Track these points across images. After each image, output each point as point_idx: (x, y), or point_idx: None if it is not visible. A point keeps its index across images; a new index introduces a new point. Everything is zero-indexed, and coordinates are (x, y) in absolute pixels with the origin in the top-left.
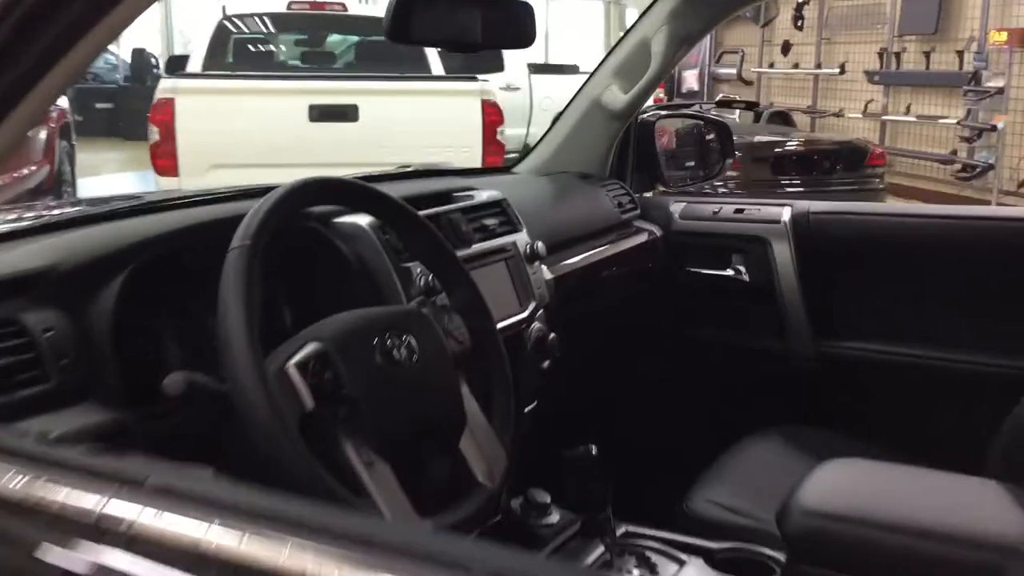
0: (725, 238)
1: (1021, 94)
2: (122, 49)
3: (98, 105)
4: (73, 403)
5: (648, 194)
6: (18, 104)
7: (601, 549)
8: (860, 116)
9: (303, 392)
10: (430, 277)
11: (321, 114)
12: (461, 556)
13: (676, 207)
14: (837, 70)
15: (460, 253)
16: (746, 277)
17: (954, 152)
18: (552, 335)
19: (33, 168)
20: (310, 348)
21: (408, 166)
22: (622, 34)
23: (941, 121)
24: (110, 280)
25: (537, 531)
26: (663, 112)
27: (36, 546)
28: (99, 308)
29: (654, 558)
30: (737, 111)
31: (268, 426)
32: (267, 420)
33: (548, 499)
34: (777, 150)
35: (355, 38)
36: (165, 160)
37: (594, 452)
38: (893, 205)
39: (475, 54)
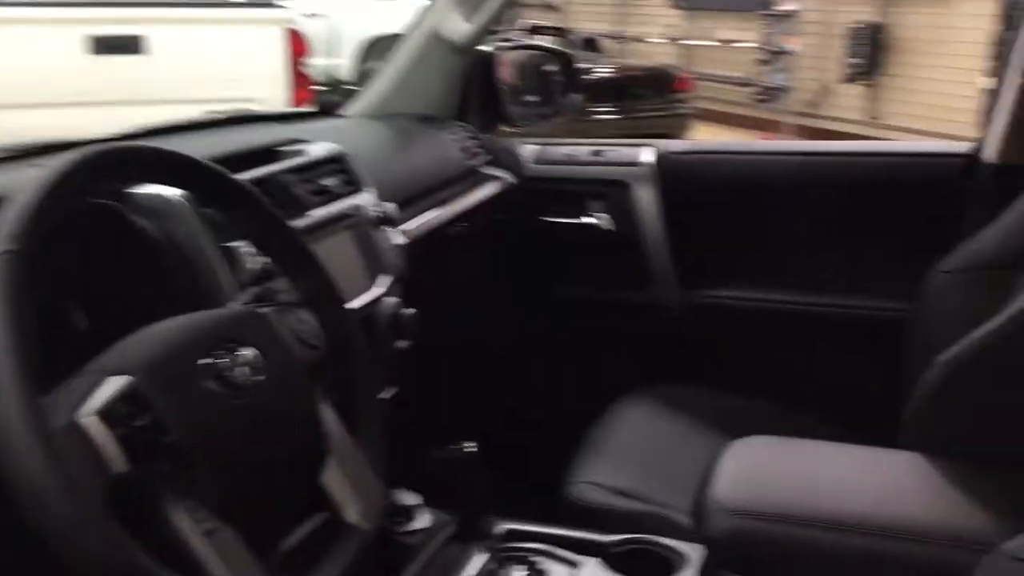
0: (582, 183)
1: (814, 17)
2: None
3: None
4: None
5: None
6: None
7: (484, 556)
8: (663, 41)
9: (109, 450)
10: (265, 260)
11: (101, 46)
12: None
13: (528, 151)
14: None
15: (297, 224)
16: (607, 225)
17: (752, 75)
18: (410, 310)
19: None
20: (114, 385)
21: (215, 112)
22: None
23: (739, 45)
24: None
25: (405, 539)
26: (504, 43)
27: None
28: None
29: (541, 563)
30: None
31: (56, 509)
32: (54, 501)
33: (416, 501)
34: (589, 77)
35: None
36: None
37: (467, 449)
38: (760, 142)
39: None
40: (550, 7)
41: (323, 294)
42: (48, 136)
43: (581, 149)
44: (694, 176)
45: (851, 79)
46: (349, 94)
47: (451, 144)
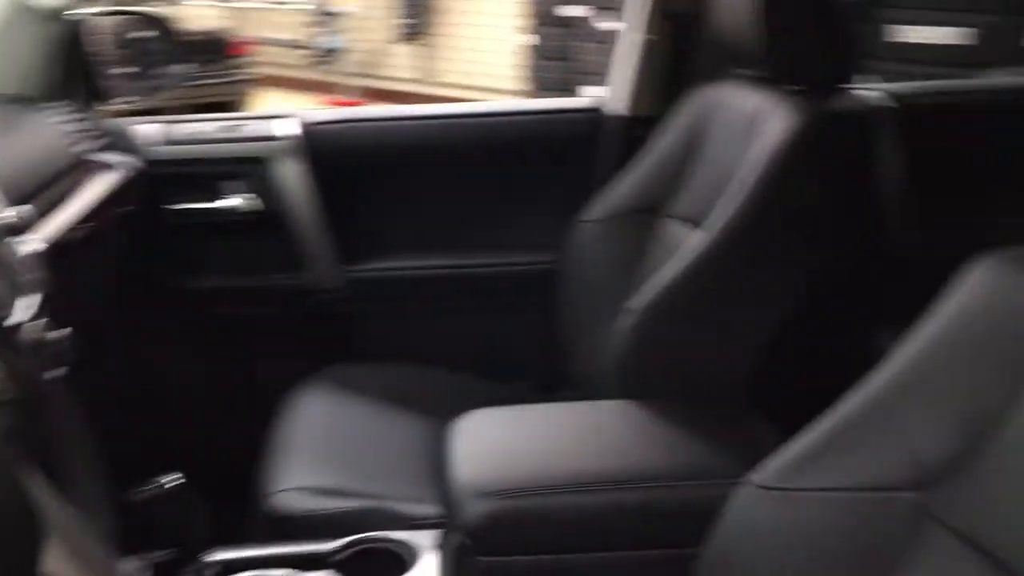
0: (216, 163)
1: None
2: None
3: None
4: None
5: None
6: None
7: None
8: (209, 4)
9: None
10: None
11: None
12: None
13: (149, 131)
14: None
15: None
16: (250, 206)
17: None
18: (62, 331)
19: None
20: None
21: None
22: None
23: (292, 7)
24: None
25: None
26: (93, 9)
27: None
28: None
29: None
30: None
31: None
32: None
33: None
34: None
35: None
36: None
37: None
38: (405, 107)
39: None
40: None
41: None
42: None
43: (210, 125)
44: (342, 146)
45: (403, 39)
46: None
47: (53, 129)
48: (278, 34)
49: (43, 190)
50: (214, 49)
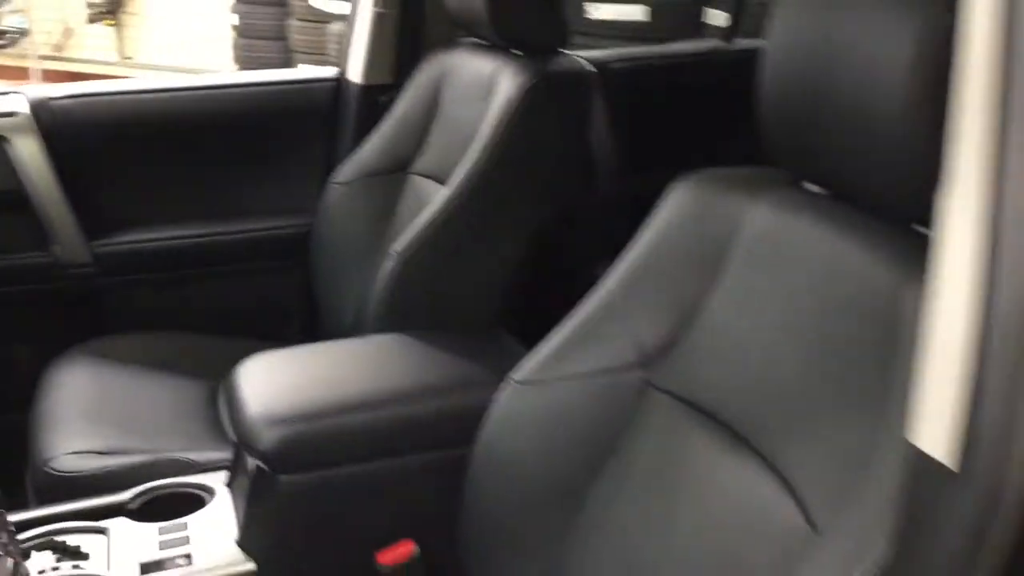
0: None
1: None
2: None
3: None
4: None
5: None
6: None
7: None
8: None
9: None
10: None
11: None
12: None
13: None
14: None
15: None
16: None
17: None
18: None
19: None
20: None
21: None
22: None
23: None
24: None
25: None
26: None
27: None
28: None
29: (69, 541)
30: None
31: None
32: None
33: None
34: None
35: None
36: None
37: None
38: (144, 81)
39: None
40: None
41: None
42: None
43: None
44: (77, 122)
45: (95, 19)
46: None
47: None
48: None
49: None
50: None
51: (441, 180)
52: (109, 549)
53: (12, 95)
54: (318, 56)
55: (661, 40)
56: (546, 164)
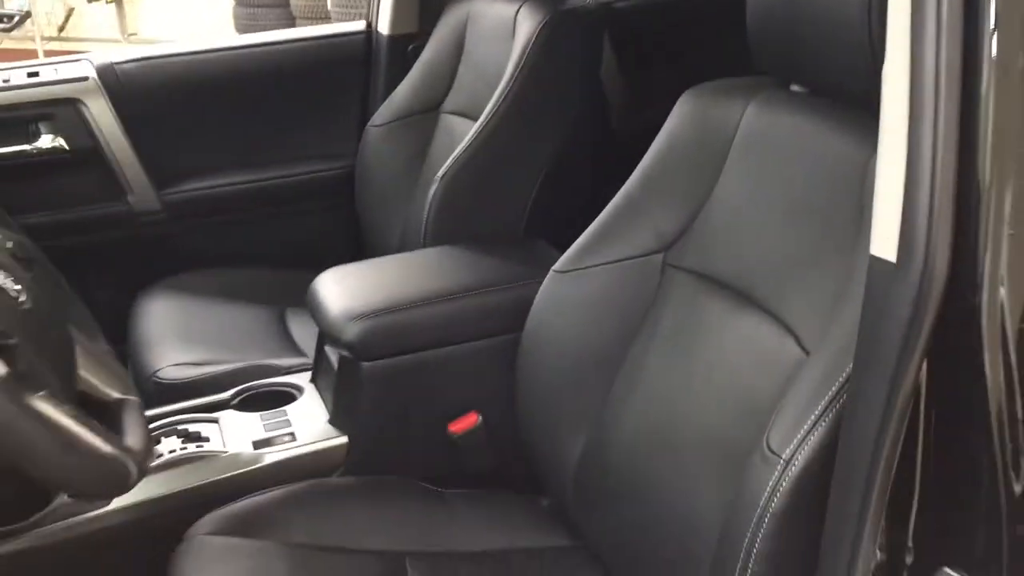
0: (23, 107)
1: None
2: None
3: None
4: None
5: None
6: None
7: None
8: None
9: None
10: None
11: None
12: None
13: None
14: None
15: None
16: (65, 145)
17: None
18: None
19: None
20: None
21: None
22: None
23: None
24: None
25: None
26: None
27: None
28: None
29: (189, 428)
30: None
31: None
32: None
33: None
34: None
35: None
36: None
37: None
38: (194, 43)
39: None
40: None
41: None
42: None
43: (14, 72)
44: (139, 82)
45: None
46: None
47: None
48: None
49: None
50: None
51: (472, 117)
52: (223, 433)
53: (80, 61)
54: (319, 21)
55: None
56: (566, 92)
